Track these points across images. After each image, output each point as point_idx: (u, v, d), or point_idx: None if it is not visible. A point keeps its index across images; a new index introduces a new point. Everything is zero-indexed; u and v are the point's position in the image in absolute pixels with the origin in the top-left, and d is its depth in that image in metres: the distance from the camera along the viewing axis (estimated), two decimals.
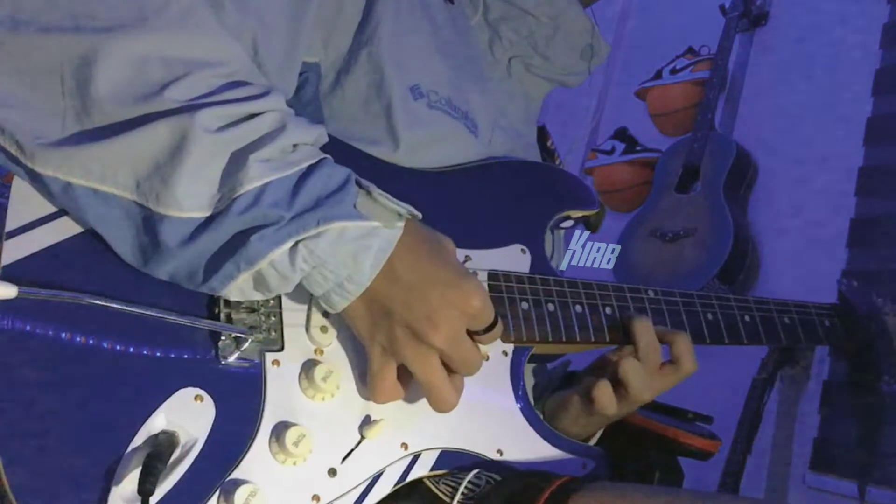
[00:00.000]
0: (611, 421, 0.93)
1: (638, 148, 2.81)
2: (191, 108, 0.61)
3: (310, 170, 0.66)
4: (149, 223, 0.62)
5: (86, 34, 0.60)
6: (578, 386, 0.92)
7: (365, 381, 0.74)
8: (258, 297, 0.67)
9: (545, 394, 0.99)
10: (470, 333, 0.72)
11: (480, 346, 0.74)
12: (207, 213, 0.62)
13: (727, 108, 2.64)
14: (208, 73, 0.63)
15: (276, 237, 0.62)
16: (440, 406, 0.72)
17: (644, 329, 0.89)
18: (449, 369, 0.72)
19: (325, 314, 0.74)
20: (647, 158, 2.75)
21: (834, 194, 2.25)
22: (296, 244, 0.63)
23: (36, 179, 0.62)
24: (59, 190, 0.62)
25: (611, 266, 1.09)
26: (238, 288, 0.65)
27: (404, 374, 0.73)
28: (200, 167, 0.61)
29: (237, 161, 0.62)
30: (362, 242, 0.66)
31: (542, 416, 0.92)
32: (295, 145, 0.66)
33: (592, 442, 0.95)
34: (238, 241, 0.63)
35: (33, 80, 0.60)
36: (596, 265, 1.11)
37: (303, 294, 0.74)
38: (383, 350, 0.71)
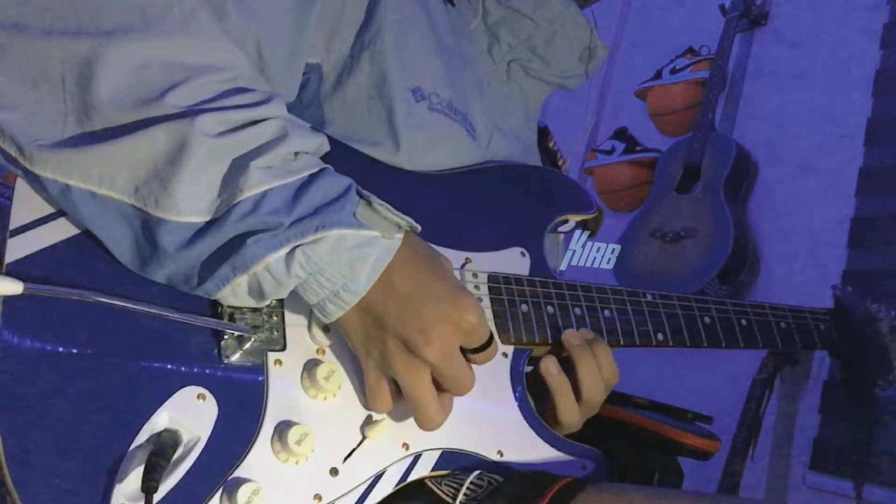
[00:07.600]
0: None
1: (638, 148, 2.81)
2: (191, 113, 0.61)
3: (311, 179, 0.65)
4: (147, 227, 0.62)
5: (88, 37, 0.60)
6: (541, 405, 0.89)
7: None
8: (251, 303, 0.67)
9: None
10: (463, 352, 0.72)
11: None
12: (206, 218, 0.62)
13: (727, 108, 2.64)
14: (209, 79, 0.63)
15: (273, 242, 0.62)
16: (425, 424, 0.71)
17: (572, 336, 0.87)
18: (439, 388, 0.71)
19: None
20: (647, 158, 2.75)
21: (834, 194, 2.25)
22: (293, 249, 0.63)
23: (35, 181, 0.62)
24: (57, 192, 0.62)
25: (611, 266, 1.09)
26: (232, 292, 0.65)
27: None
28: (200, 172, 0.61)
29: (238, 167, 0.62)
30: (360, 251, 0.66)
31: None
32: (296, 153, 0.66)
33: None
34: (235, 245, 0.63)
35: (34, 83, 0.60)
36: (596, 265, 1.11)
37: None
38: (377, 363, 0.70)
